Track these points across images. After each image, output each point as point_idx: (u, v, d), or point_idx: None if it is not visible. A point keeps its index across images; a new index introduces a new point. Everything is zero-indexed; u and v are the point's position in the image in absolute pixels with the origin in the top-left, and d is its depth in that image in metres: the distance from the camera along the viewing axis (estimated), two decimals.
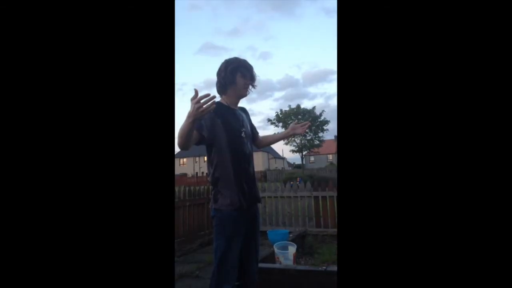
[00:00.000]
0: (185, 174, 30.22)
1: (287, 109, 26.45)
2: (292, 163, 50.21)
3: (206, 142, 1.61)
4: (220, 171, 1.63)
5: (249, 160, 1.70)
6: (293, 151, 27.30)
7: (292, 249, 3.18)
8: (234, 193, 1.60)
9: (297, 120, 2.26)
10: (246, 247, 1.66)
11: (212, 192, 1.66)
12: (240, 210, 1.60)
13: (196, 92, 1.31)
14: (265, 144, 2.02)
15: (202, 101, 1.31)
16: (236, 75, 1.66)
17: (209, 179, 1.69)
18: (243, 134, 1.69)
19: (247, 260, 1.67)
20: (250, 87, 1.74)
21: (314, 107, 26.23)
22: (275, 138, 2.08)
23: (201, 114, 1.33)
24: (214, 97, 1.32)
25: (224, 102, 1.72)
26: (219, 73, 1.70)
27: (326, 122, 26.21)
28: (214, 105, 1.34)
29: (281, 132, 2.14)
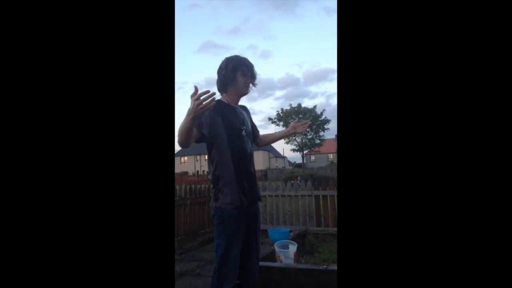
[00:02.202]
0: (186, 173, 30.22)
1: (288, 108, 26.41)
2: (293, 162, 50.21)
3: (206, 140, 1.60)
4: (221, 169, 1.63)
5: (249, 159, 1.69)
6: (293, 150, 27.29)
7: (292, 248, 3.18)
8: (234, 191, 1.60)
9: (298, 119, 2.25)
10: (247, 245, 1.66)
11: (213, 191, 1.66)
12: (241, 208, 1.59)
13: (196, 89, 1.31)
14: (265, 143, 2.01)
15: (202, 97, 1.30)
16: (236, 73, 1.66)
17: (209, 177, 1.69)
18: (243, 133, 1.68)
19: (248, 259, 1.67)
20: (251, 85, 1.73)
21: (315, 106, 26.19)
22: (276, 137, 2.06)
23: (201, 111, 1.32)
24: (214, 93, 1.32)
25: (224, 100, 1.71)
26: (219, 71, 1.69)
27: (327, 121, 26.17)
28: (214, 102, 1.34)
29: (282, 131, 2.13)
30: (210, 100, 1.31)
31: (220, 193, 1.62)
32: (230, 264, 1.56)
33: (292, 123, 1.99)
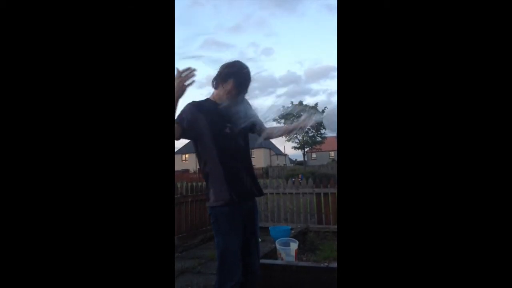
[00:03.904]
0: (187, 170, 30.22)
1: (290, 106, 26.40)
2: (294, 159, 50.15)
3: (187, 136, 1.62)
4: (209, 167, 1.64)
5: (239, 155, 1.67)
6: (295, 147, 27.33)
7: (294, 246, 3.18)
8: (224, 188, 1.59)
9: (309, 114, 2.15)
10: (247, 243, 1.66)
11: (206, 190, 1.67)
12: (232, 205, 1.59)
13: (178, 70, 1.35)
14: (273, 136, 1.96)
15: (183, 75, 1.34)
16: (228, 79, 1.63)
17: (202, 175, 1.70)
18: (227, 130, 1.65)
19: (249, 256, 1.67)
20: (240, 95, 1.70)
21: (316, 104, 26.17)
22: (285, 129, 2.01)
23: (184, 87, 1.36)
24: (193, 69, 1.35)
25: (212, 98, 1.71)
26: (219, 68, 1.68)
27: None
28: (194, 75, 1.36)
29: (294, 124, 2.08)
30: (191, 75, 1.34)
31: (210, 191, 1.63)
32: (230, 262, 1.56)
33: (303, 117, 1.90)
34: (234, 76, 1.63)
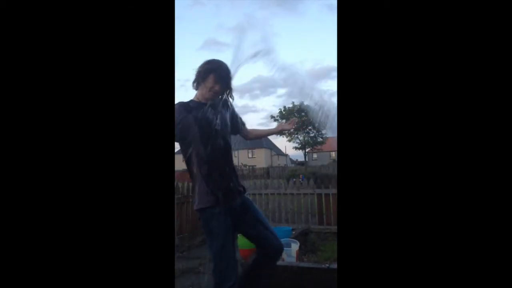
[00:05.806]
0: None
1: (290, 106, 26.39)
2: (295, 160, 50.10)
3: (177, 138, 1.62)
4: (195, 168, 1.64)
5: (222, 154, 1.67)
6: (296, 148, 27.32)
7: (294, 246, 3.17)
8: (209, 189, 1.60)
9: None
10: (254, 232, 1.72)
11: (193, 192, 1.69)
12: (218, 205, 1.59)
13: None
14: (253, 136, 2.00)
15: None
16: (208, 76, 1.64)
17: (189, 175, 1.70)
18: (217, 127, 1.65)
19: (259, 240, 1.74)
20: (226, 95, 1.72)
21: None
22: (265, 133, 2.16)
23: None
24: None
25: (195, 99, 1.72)
26: (197, 68, 1.69)
27: None
28: None
29: (271, 128, 2.23)
30: None
31: (196, 193, 1.64)
32: (225, 262, 1.56)
33: (278, 123, 2.04)
34: (214, 71, 1.64)
